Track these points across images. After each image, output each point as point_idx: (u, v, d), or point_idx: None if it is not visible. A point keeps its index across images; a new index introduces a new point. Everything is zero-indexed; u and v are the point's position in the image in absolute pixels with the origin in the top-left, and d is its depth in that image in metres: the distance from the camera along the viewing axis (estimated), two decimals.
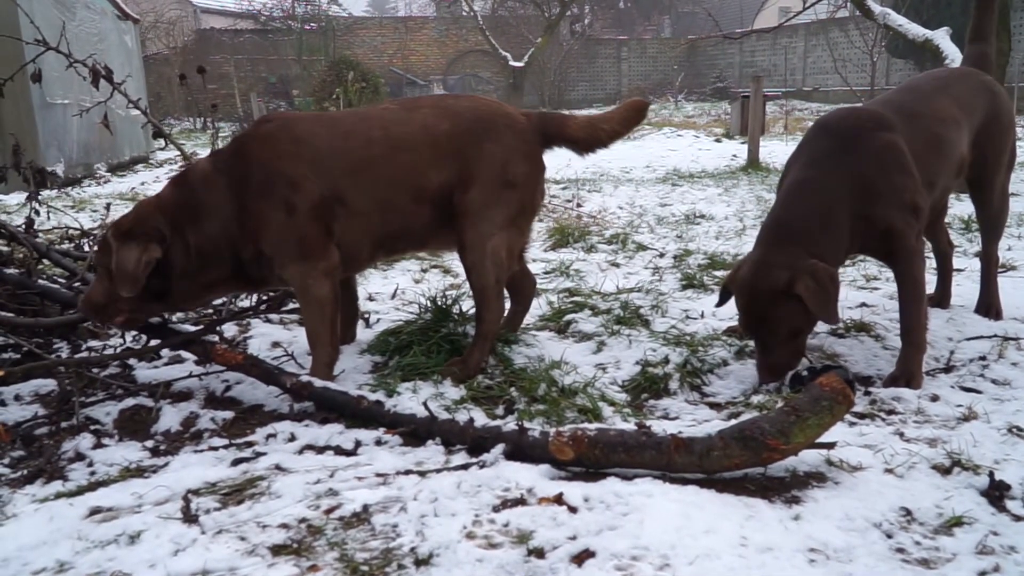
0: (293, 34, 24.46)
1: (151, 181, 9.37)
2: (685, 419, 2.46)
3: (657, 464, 1.98)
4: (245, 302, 3.46)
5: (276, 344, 3.12)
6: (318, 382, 2.48)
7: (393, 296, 3.86)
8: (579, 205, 6.70)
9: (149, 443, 2.36)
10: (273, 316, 3.45)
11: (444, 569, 1.62)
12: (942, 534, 1.76)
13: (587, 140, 2.85)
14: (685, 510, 1.79)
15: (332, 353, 2.68)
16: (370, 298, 3.83)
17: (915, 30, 8.56)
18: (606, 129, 2.86)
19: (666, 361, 2.80)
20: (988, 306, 3.29)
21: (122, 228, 2.52)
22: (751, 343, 2.90)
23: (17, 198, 6.53)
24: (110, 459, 2.23)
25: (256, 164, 2.58)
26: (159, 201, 2.61)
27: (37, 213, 3.89)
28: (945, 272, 3.47)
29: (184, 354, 2.94)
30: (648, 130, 14.27)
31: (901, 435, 2.26)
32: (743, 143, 10.24)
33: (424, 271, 4.45)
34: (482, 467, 2.03)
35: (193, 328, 2.90)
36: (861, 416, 2.41)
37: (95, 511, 1.90)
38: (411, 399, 2.47)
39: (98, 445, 2.32)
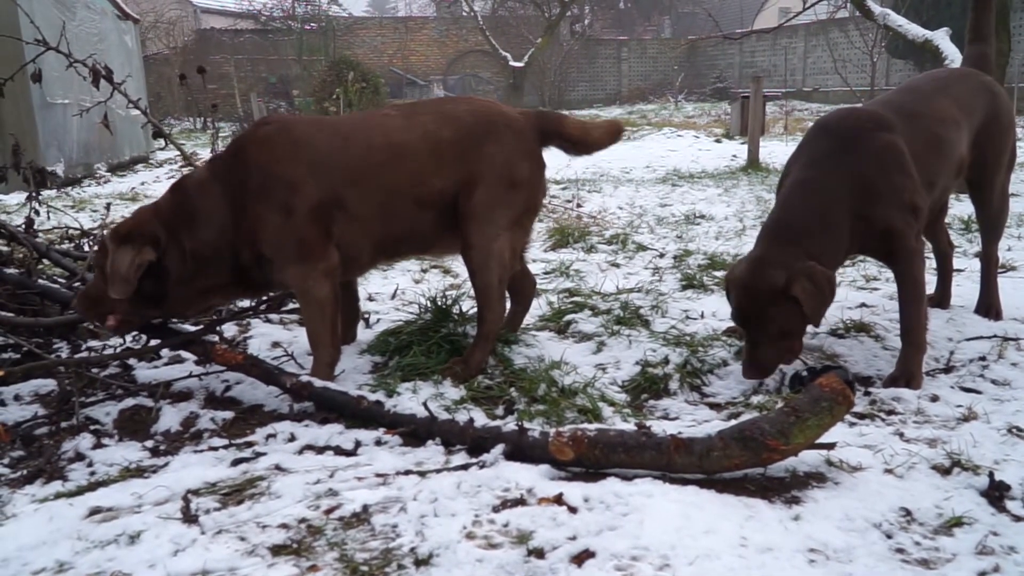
0: (293, 34, 24.45)
1: (151, 181, 9.37)
2: (685, 419, 2.46)
3: (657, 464, 1.98)
4: (245, 302, 3.46)
5: (276, 344, 3.12)
6: (318, 382, 2.48)
7: (393, 296, 3.86)
8: (579, 205, 6.70)
9: (149, 443, 2.36)
10: (273, 316, 3.45)
11: (444, 569, 1.62)
12: (942, 534, 1.76)
13: (581, 140, 2.90)
14: (685, 510, 1.79)
15: (333, 353, 2.68)
16: (370, 298, 3.83)
17: (915, 31, 8.57)
18: (595, 135, 2.93)
19: (666, 361, 2.80)
20: (988, 306, 3.29)
21: (120, 232, 2.55)
22: (743, 351, 2.89)
23: (17, 198, 6.53)
24: (110, 459, 2.23)
25: (254, 167, 2.58)
26: (157, 207, 2.64)
27: (37, 213, 3.90)
28: (945, 272, 3.47)
29: (184, 354, 2.94)
30: (648, 130, 14.28)
31: (901, 435, 2.26)
32: (743, 143, 10.24)
33: (424, 271, 4.45)
34: (482, 467, 2.04)
35: (193, 328, 2.90)
36: (861, 416, 2.41)
37: (95, 511, 1.90)
38: (411, 399, 2.47)
39: (98, 445, 2.32)
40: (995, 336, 3.00)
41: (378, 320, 3.38)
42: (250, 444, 2.31)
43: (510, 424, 2.17)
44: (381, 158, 2.64)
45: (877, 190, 2.62)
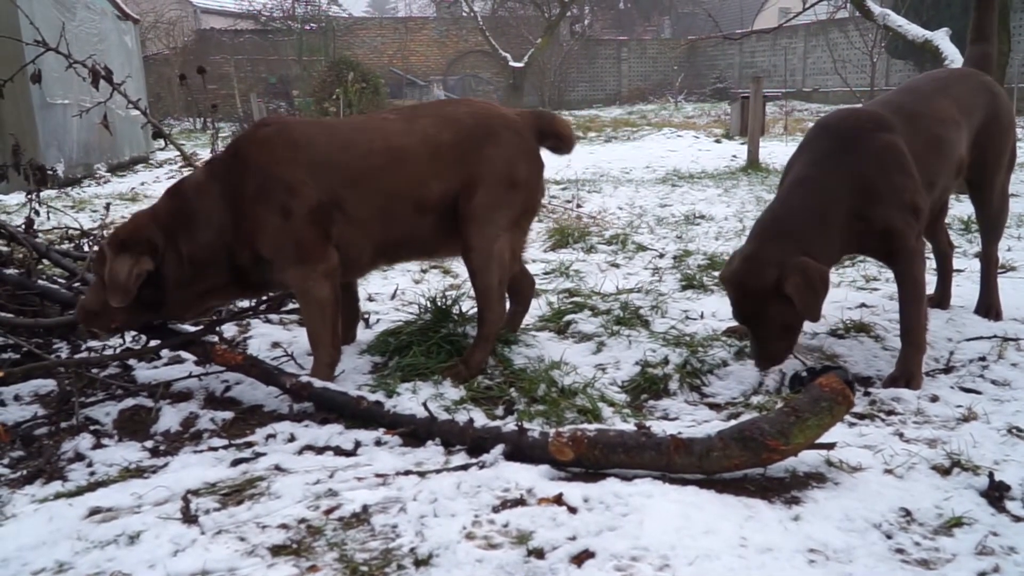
0: (293, 34, 24.44)
1: (151, 181, 9.37)
2: (685, 420, 2.46)
3: (657, 465, 1.98)
4: (245, 302, 3.46)
5: (276, 344, 3.12)
6: (318, 382, 2.48)
7: (393, 297, 3.86)
8: (579, 206, 6.70)
9: (149, 443, 2.36)
10: (273, 316, 3.45)
11: (444, 569, 1.62)
12: (942, 535, 1.76)
13: (569, 138, 2.95)
14: (685, 511, 1.79)
15: (333, 354, 2.68)
16: (370, 299, 3.83)
17: (915, 31, 8.56)
18: (572, 133, 2.99)
19: (666, 362, 2.80)
20: (988, 307, 3.29)
21: (117, 238, 2.54)
22: (751, 344, 2.90)
23: (17, 198, 6.53)
24: (110, 459, 2.23)
25: (253, 168, 2.58)
26: (154, 211, 2.63)
27: (37, 213, 3.90)
28: (945, 272, 3.47)
29: (184, 354, 2.94)
30: (648, 131, 14.28)
31: (901, 436, 2.26)
32: (743, 144, 10.24)
33: (424, 271, 4.45)
34: (482, 468, 2.04)
35: (193, 329, 2.90)
36: (861, 417, 2.41)
37: (95, 511, 1.90)
38: (411, 399, 2.47)
39: (98, 445, 2.32)
40: (995, 336, 3.00)
41: (378, 320, 3.38)
42: (250, 444, 2.31)
43: (510, 424, 2.17)
44: (381, 162, 2.64)
45: (877, 190, 2.62)
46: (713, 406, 2.59)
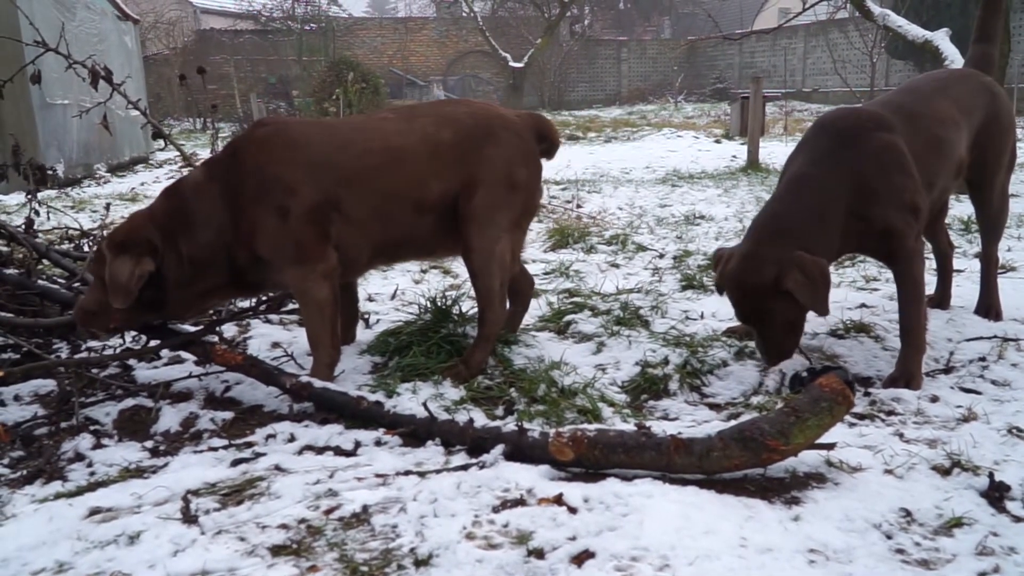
0: (293, 35, 24.44)
1: (151, 182, 9.37)
2: (685, 420, 2.46)
3: (657, 465, 1.98)
4: (245, 302, 3.46)
5: (276, 344, 3.12)
6: (317, 382, 2.48)
7: (393, 297, 3.86)
8: (579, 206, 6.70)
9: (149, 443, 2.36)
10: (273, 317, 3.45)
11: (444, 570, 1.62)
12: (942, 535, 1.76)
13: (556, 145, 2.99)
14: (685, 511, 1.79)
15: (333, 354, 2.68)
16: (370, 299, 3.83)
17: (915, 31, 8.56)
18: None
19: (666, 362, 2.80)
20: (988, 307, 3.29)
21: (116, 239, 2.54)
22: (751, 344, 2.91)
23: (17, 198, 6.53)
24: (110, 459, 2.23)
25: (251, 168, 2.58)
26: (152, 212, 2.63)
27: (37, 213, 3.90)
28: (945, 273, 3.47)
29: (184, 354, 2.94)
30: (648, 131, 14.28)
31: (901, 436, 2.26)
32: (743, 144, 10.24)
33: (424, 272, 4.45)
34: (482, 468, 2.03)
35: (193, 329, 2.90)
36: (861, 417, 2.41)
37: (95, 511, 1.90)
38: (411, 400, 2.47)
39: (98, 445, 2.32)
40: (995, 337, 3.00)
41: (378, 320, 3.38)
42: (250, 444, 2.31)
43: (510, 424, 2.17)
44: (379, 162, 2.64)
45: (876, 190, 2.62)
46: (713, 406, 2.59)
